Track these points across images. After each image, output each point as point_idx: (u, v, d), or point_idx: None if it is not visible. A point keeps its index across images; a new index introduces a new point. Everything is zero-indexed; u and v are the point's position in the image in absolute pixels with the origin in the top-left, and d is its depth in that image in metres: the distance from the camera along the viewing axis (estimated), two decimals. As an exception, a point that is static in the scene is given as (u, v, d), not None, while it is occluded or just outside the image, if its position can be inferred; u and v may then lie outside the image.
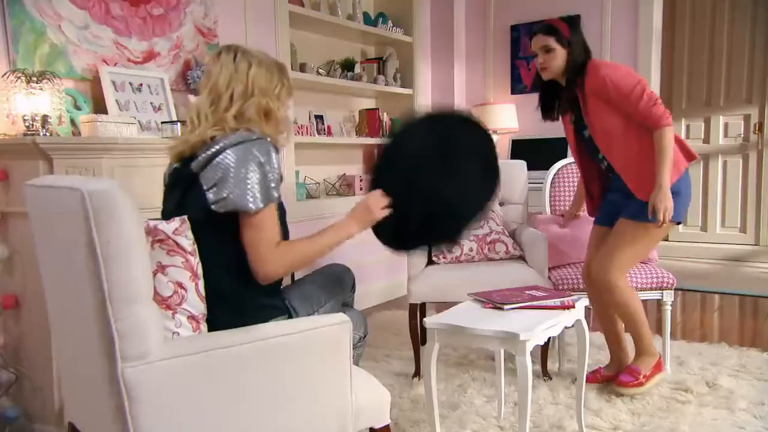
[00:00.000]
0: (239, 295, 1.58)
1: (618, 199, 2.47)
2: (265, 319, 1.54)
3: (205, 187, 1.50)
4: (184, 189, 1.57)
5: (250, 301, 1.60)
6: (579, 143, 2.54)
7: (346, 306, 1.98)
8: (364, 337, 1.90)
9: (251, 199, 1.48)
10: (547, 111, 2.55)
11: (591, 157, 2.55)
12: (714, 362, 2.79)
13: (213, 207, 1.50)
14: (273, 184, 1.53)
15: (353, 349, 1.79)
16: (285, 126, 1.70)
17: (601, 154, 2.46)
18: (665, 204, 2.24)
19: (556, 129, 2.76)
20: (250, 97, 1.60)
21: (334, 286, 1.94)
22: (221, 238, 1.53)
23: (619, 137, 2.34)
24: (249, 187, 1.48)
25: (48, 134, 2.21)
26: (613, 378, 2.52)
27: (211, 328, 1.50)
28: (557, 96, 2.49)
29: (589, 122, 2.39)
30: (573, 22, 2.42)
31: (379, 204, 1.77)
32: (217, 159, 1.50)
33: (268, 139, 1.60)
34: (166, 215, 1.62)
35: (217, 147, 1.51)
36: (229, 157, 1.50)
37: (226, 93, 1.59)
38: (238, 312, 1.56)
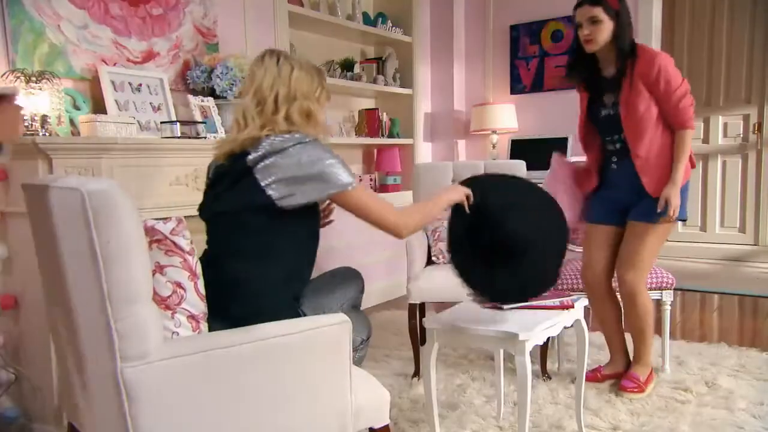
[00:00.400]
0: (271, 293, 1.62)
1: (621, 197, 2.44)
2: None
3: (263, 183, 1.56)
4: (231, 183, 1.62)
5: (279, 302, 1.63)
6: (590, 122, 2.50)
7: (354, 308, 1.98)
8: (367, 339, 1.90)
9: (345, 180, 1.60)
10: (573, 76, 2.49)
11: (602, 138, 2.48)
12: (713, 362, 2.80)
13: (278, 202, 1.57)
14: (349, 170, 1.64)
15: (355, 351, 1.80)
16: (324, 129, 1.77)
17: (618, 136, 2.40)
18: (677, 201, 2.28)
19: (555, 129, 2.76)
20: (294, 101, 1.67)
21: (345, 291, 1.96)
22: (273, 232, 1.61)
23: (651, 127, 2.32)
24: (336, 171, 1.60)
25: (47, 134, 2.21)
26: (613, 377, 2.53)
27: (217, 317, 1.51)
28: (591, 68, 2.43)
29: (626, 104, 2.32)
30: None
31: (462, 191, 1.82)
32: (282, 157, 1.56)
33: (313, 138, 1.65)
34: (205, 210, 1.72)
35: (277, 143, 1.58)
36: (299, 154, 1.57)
37: (271, 95, 1.65)
38: (259, 309, 1.57)
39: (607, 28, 2.31)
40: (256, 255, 1.62)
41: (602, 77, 2.43)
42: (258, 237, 1.62)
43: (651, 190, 2.33)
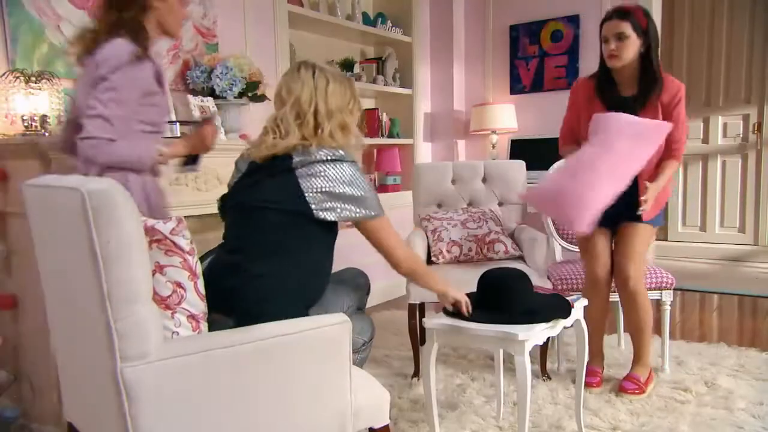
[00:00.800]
0: (284, 294, 1.64)
1: (612, 207, 2.36)
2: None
3: (305, 189, 1.65)
4: (270, 177, 1.68)
5: (289, 304, 1.64)
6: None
7: (358, 309, 1.98)
8: (370, 341, 1.90)
9: (376, 208, 1.74)
10: (601, 93, 2.47)
11: None
12: (713, 362, 2.80)
13: (316, 213, 1.66)
14: (378, 202, 1.77)
15: (357, 352, 1.80)
16: (359, 139, 1.84)
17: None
18: (651, 204, 2.37)
19: (555, 129, 2.76)
20: (332, 117, 1.73)
21: (351, 293, 1.97)
22: (300, 238, 1.68)
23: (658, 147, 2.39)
24: (372, 198, 1.73)
25: (47, 134, 2.21)
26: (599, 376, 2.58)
27: (220, 307, 1.55)
28: (613, 87, 2.43)
29: None
30: (647, 12, 2.34)
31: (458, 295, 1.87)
32: (321, 174, 1.66)
33: (354, 160, 1.74)
34: (231, 200, 1.79)
35: (324, 155, 1.67)
36: (345, 172, 1.68)
37: (310, 110, 1.72)
38: (267, 307, 1.58)
39: (633, 45, 2.31)
40: (278, 254, 1.66)
41: (620, 96, 2.43)
42: (284, 238, 1.66)
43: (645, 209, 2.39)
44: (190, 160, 2.10)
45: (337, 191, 1.67)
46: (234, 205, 1.77)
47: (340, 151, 1.71)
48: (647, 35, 2.32)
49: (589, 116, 2.40)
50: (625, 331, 2.62)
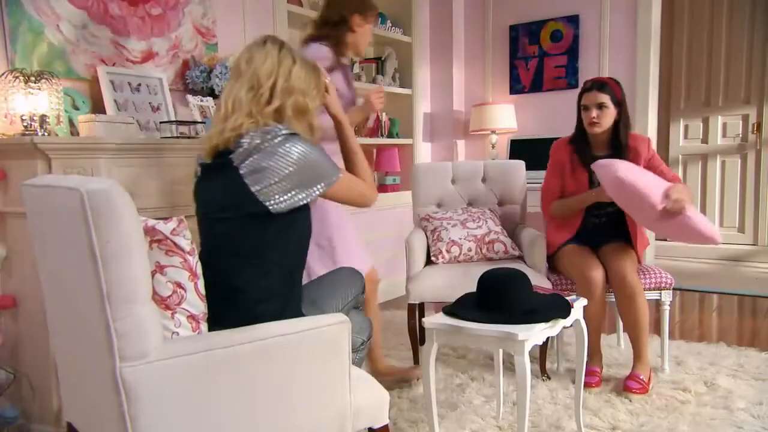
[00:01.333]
0: (271, 300, 1.59)
1: (601, 230, 2.73)
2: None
3: (254, 189, 1.51)
4: (219, 186, 1.57)
5: (281, 307, 1.61)
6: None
7: (354, 309, 1.98)
8: (368, 340, 1.90)
9: (333, 173, 1.63)
10: (580, 154, 2.72)
11: (587, 210, 2.72)
12: (712, 362, 2.80)
13: (273, 208, 1.53)
14: (332, 164, 1.64)
15: (355, 352, 1.80)
16: (315, 131, 1.70)
17: (604, 210, 2.71)
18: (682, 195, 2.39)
19: (554, 129, 2.78)
20: (290, 95, 1.62)
21: (346, 292, 1.94)
22: (266, 237, 1.56)
23: None
24: (325, 166, 1.60)
25: (46, 134, 2.21)
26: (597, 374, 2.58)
27: (216, 322, 1.50)
28: (589, 148, 2.70)
29: None
30: (620, 83, 2.66)
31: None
32: (272, 159, 1.51)
33: (295, 132, 1.60)
34: (204, 205, 1.65)
35: (258, 141, 1.52)
36: (288, 153, 1.53)
37: (267, 83, 1.59)
38: (259, 315, 1.53)
39: (611, 114, 2.60)
40: (253, 262, 1.57)
41: (596, 155, 2.66)
42: (253, 243, 1.56)
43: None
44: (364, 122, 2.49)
45: (288, 179, 1.52)
46: (198, 213, 1.68)
47: (276, 128, 1.55)
48: (621, 105, 2.63)
49: (572, 173, 2.73)
50: (624, 331, 2.61)
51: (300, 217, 1.62)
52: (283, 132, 1.55)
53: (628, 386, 2.46)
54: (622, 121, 2.63)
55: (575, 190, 2.72)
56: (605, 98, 2.58)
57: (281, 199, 1.53)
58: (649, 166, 2.60)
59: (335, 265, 2.31)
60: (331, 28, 2.41)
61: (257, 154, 1.51)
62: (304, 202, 1.58)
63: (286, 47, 1.65)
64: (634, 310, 2.49)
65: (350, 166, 1.91)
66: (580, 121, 2.69)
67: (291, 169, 1.53)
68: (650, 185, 2.37)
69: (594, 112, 2.59)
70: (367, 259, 2.51)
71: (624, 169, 2.38)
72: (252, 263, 1.57)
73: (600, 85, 2.61)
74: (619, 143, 2.64)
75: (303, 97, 1.65)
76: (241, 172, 1.51)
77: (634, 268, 2.56)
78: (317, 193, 1.60)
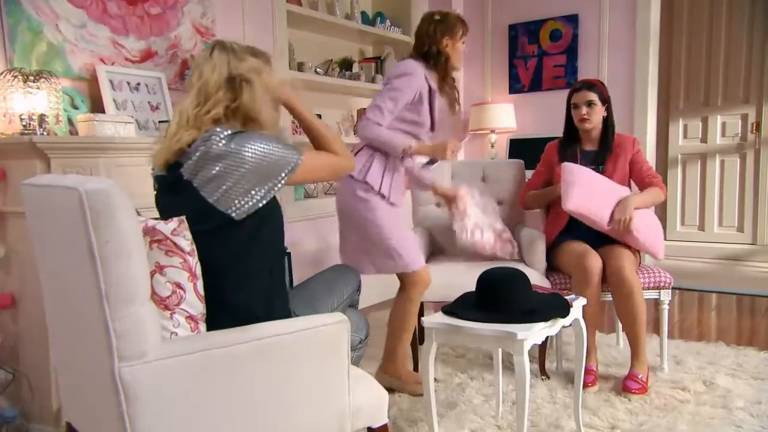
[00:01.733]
0: (260, 311, 1.54)
1: (587, 238, 2.72)
2: None
3: (211, 199, 1.45)
4: (176, 201, 1.50)
5: (273, 310, 1.57)
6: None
7: (351, 307, 1.98)
8: (365, 339, 1.90)
9: (293, 158, 1.53)
10: (565, 150, 2.84)
11: None
12: (711, 361, 2.80)
13: (236, 215, 1.46)
14: (289, 146, 1.55)
15: (353, 350, 1.79)
16: (267, 121, 1.61)
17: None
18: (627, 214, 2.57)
19: (553, 129, 2.79)
20: (235, 100, 1.54)
21: (342, 290, 1.93)
22: (243, 240, 1.50)
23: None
24: (283, 155, 1.51)
25: (45, 133, 2.21)
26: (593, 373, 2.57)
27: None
28: (577, 145, 2.83)
29: (614, 170, 2.76)
30: (604, 85, 2.82)
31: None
32: (215, 170, 1.44)
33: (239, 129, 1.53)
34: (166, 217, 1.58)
35: (206, 148, 1.45)
36: (239, 151, 1.44)
37: (216, 95, 1.53)
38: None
39: (599, 111, 2.76)
40: (228, 272, 1.51)
41: (585, 150, 2.82)
42: (223, 253, 1.49)
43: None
44: (430, 162, 2.63)
45: (244, 179, 1.45)
46: None
47: (222, 131, 1.46)
48: (608, 104, 2.79)
49: (541, 174, 2.91)
50: (623, 330, 2.61)
51: (268, 214, 1.55)
52: (225, 133, 1.46)
53: (627, 387, 2.46)
54: (609, 119, 2.80)
55: (539, 182, 2.90)
56: (594, 96, 2.73)
57: (241, 203, 1.46)
58: (632, 163, 2.78)
59: (401, 259, 2.40)
60: (425, 49, 2.52)
61: (205, 162, 1.45)
62: (266, 200, 1.50)
63: (231, 51, 1.58)
64: (632, 307, 2.49)
65: (315, 144, 1.79)
66: (569, 120, 2.84)
67: (244, 168, 1.45)
68: (601, 206, 2.58)
69: (584, 109, 2.74)
70: (422, 258, 2.56)
71: (574, 197, 2.55)
72: (228, 274, 1.51)
73: (589, 85, 2.77)
74: (609, 138, 2.79)
75: (249, 95, 1.56)
76: (195, 184, 1.46)
77: (633, 266, 2.57)
78: (279, 185, 1.51)
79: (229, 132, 1.48)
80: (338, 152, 1.76)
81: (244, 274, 1.52)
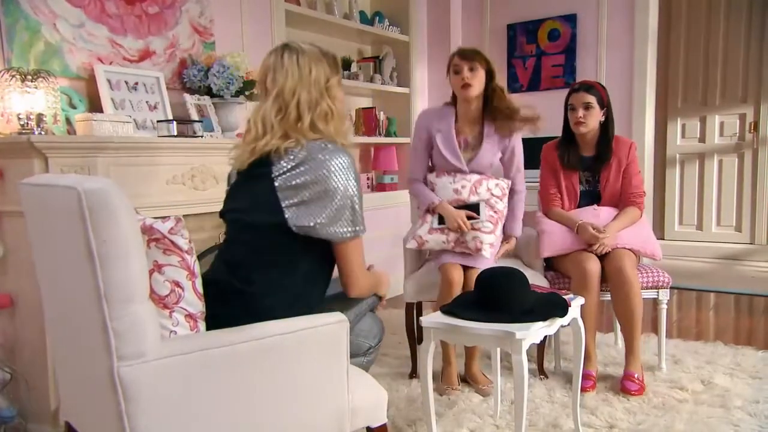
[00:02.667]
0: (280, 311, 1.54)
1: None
2: None
3: (284, 204, 1.52)
4: (252, 196, 1.59)
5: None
6: (574, 195, 2.80)
7: (370, 312, 1.94)
8: (376, 345, 1.86)
9: (343, 231, 1.56)
10: (564, 154, 2.79)
11: (581, 206, 2.78)
12: (709, 361, 2.80)
13: (294, 228, 1.52)
14: (360, 216, 1.59)
15: (363, 356, 1.77)
16: (344, 122, 1.69)
17: (596, 206, 2.76)
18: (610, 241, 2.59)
19: (552, 128, 2.78)
20: (316, 106, 1.60)
21: (361, 302, 1.86)
22: (290, 252, 1.56)
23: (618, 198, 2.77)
24: (341, 218, 1.55)
25: (43, 133, 2.21)
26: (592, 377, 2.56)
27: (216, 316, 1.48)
28: (575, 151, 2.78)
29: (607, 180, 2.74)
30: (605, 87, 2.75)
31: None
32: (301, 179, 1.52)
33: (340, 144, 1.60)
34: (226, 214, 1.68)
35: (297, 161, 1.54)
36: (328, 179, 1.52)
37: (293, 101, 1.58)
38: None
39: (597, 114, 2.67)
40: (268, 271, 1.56)
41: (582, 156, 2.77)
42: (272, 254, 1.56)
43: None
44: (440, 222, 2.55)
45: (316, 201, 1.52)
46: (227, 218, 1.69)
47: (329, 145, 1.56)
48: (608, 107, 2.71)
49: (564, 174, 2.80)
50: (622, 330, 2.61)
51: (322, 242, 1.59)
52: (332, 148, 1.56)
53: (626, 388, 2.45)
54: (608, 124, 2.71)
55: (569, 187, 2.79)
56: (591, 99, 2.65)
57: (304, 223, 1.52)
58: (623, 172, 2.73)
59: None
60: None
61: (297, 170, 1.53)
62: (320, 236, 1.55)
63: (301, 53, 1.61)
64: (629, 303, 2.48)
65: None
66: (567, 121, 2.75)
67: (320, 195, 1.52)
68: (575, 238, 2.62)
69: (580, 112, 2.66)
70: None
71: (545, 245, 2.65)
72: (267, 272, 1.56)
73: (587, 87, 2.69)
74: (606, 145, 2.72)
75: (324, 101, 1.62)
76: (276, 184, 1.53)
77: (634, 265, 2.57)
78: (333, 233, 1.55)
79: (332, 147, 1.56)
80: (368, 276, 1.72)
81: (290, 267, 1.57)
